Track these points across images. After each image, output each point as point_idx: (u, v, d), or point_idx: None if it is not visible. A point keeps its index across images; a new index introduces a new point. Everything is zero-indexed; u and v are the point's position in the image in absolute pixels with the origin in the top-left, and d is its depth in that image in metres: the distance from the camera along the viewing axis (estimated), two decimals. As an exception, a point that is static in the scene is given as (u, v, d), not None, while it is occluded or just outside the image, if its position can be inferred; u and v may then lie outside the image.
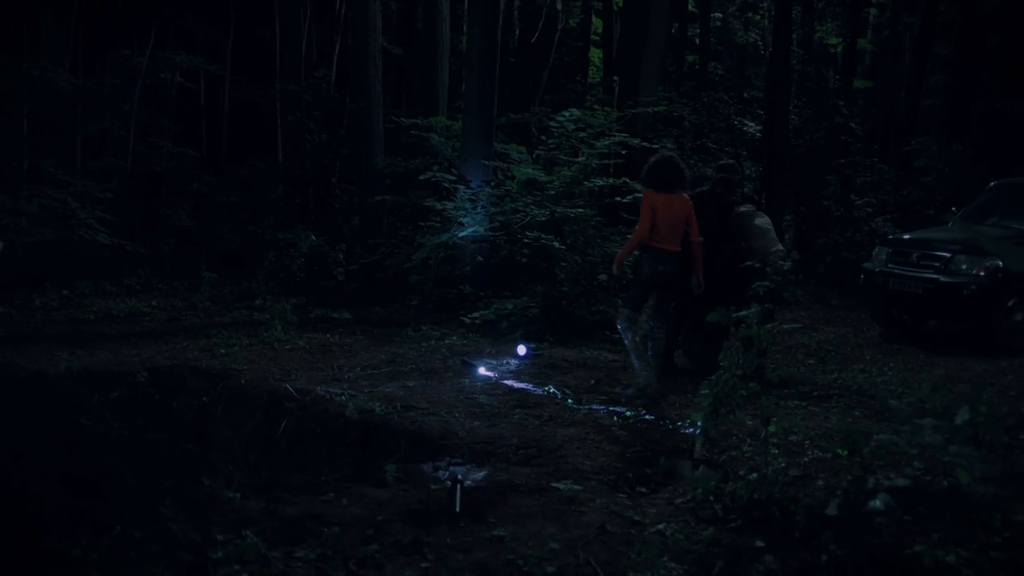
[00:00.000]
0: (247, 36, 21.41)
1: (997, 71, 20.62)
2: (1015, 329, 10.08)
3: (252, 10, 21.64)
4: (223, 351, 9.42)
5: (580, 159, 12.12)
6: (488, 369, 8.66)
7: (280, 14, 20.54)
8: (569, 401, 7.55)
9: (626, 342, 7.86)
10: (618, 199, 12.45)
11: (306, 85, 18.31)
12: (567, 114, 12.53)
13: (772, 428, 5.22)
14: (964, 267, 10.19)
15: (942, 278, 10.28)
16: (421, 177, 13.04)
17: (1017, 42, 19.87)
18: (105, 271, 14.08)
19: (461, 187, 12.15)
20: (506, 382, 8.18)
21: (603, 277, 11.14)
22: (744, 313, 5.15)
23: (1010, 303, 10.02)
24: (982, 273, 10.06)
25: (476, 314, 10.84)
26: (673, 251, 7.80)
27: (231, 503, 4.73)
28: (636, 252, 8.44)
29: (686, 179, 7.94)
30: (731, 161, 10.06)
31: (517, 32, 23.53)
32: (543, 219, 11.56)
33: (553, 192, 11.99)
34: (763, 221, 8.88)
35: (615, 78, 18.66)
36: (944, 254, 10.39)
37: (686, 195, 8.00)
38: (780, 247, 8.77)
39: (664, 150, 8.36)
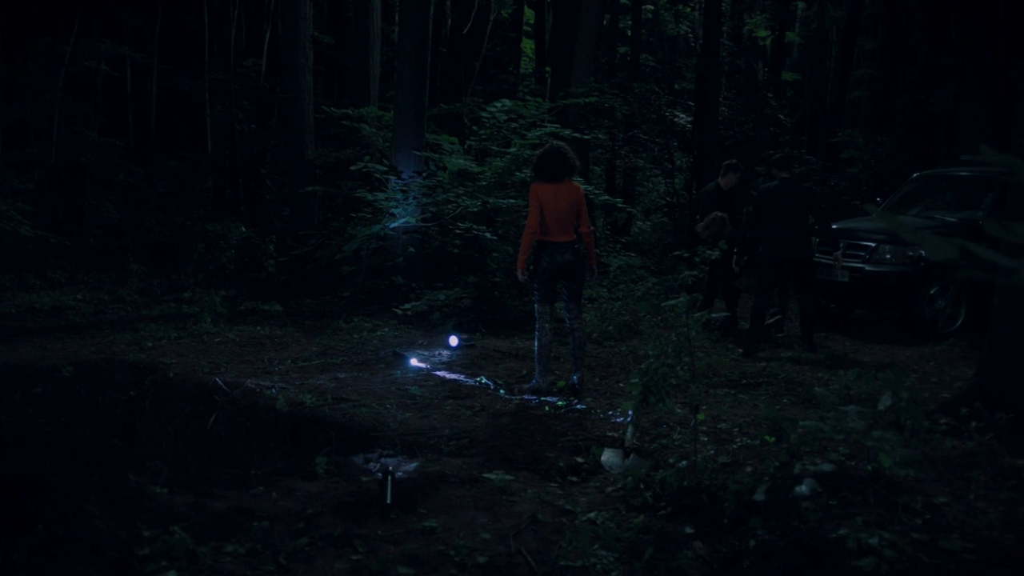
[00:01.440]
0: (174, 24, 21.04)
1: (919, 65, 21.06)
2: (936, 317, 10.32)
3: (179, -3, 21.29)
4: (151, 345, 9.26)
5: (512, 150, 12.09)
6: (420, 360, 8.64)
7: (208, 1, 20.22)
8: (501, 391, 7.57)
9: (535, 345, 7.62)
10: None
11: (235, 74, 18.06)
12: (499, 105, 12.47)
13: (701, 416, 5.29)
14: (888, 256, 10.40)
15: (867, 267, 10.49)
16: (352, 168, 12.91)
17: (938, 36, 20.31)
18: (28, 264, 13.75)
19: (393, 178, 12.06)
20: (438, 373, 8.18)
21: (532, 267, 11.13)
22: (673, 302, 5.21)
23: (932, 291, 10.26)
24: (905, 262, 10.29)
25: (408, 305, 10.79)
26: (566, 241, 7.45)
27: (158, 499, 4.66)
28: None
29: (574, 167, 7.56)
30: (780, 153, 10.48)
31: (449, 22, 23.43)
32: (475, 210, 11.54)
33: (485, 183, 11.96)
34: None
35: (547, 69, 18.72)
36: (869, 244, 10.59)
37: (575, 183, 7.67)
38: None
39: (553, 141, 7.99)
